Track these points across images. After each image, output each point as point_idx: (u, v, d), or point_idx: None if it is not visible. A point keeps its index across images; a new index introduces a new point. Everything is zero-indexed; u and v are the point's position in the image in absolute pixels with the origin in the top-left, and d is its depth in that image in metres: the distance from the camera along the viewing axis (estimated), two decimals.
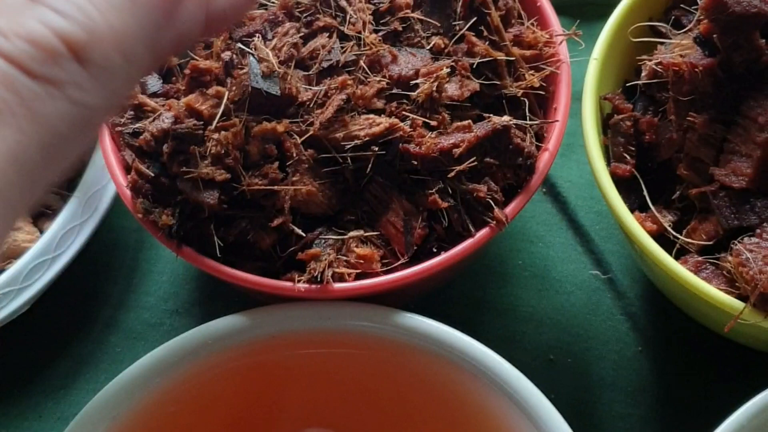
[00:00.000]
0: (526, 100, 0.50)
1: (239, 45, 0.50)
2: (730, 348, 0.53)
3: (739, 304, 0.45)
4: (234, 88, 0.49)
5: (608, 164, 0.51)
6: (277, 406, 0.51)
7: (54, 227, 0.55)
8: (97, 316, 0.58)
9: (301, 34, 0.50)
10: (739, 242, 0.46)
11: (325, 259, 0.48)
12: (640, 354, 0.56)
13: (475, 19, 0.50)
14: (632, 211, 0.49)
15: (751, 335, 0.49)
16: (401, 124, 0.48)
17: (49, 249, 0.54)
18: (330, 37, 0.50)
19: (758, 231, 0.46)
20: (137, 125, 0.50)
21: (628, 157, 0.50)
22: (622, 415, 0.54)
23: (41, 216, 0.57)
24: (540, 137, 0.51)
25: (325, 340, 0.49)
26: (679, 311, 0.54)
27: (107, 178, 0.56)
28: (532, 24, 0.53)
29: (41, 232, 0.56)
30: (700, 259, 0.48)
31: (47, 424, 0.54)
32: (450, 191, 0.48)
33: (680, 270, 0.46)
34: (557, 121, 0.50)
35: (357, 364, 0.50)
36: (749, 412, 0.45)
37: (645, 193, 0.50)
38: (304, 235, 0.48)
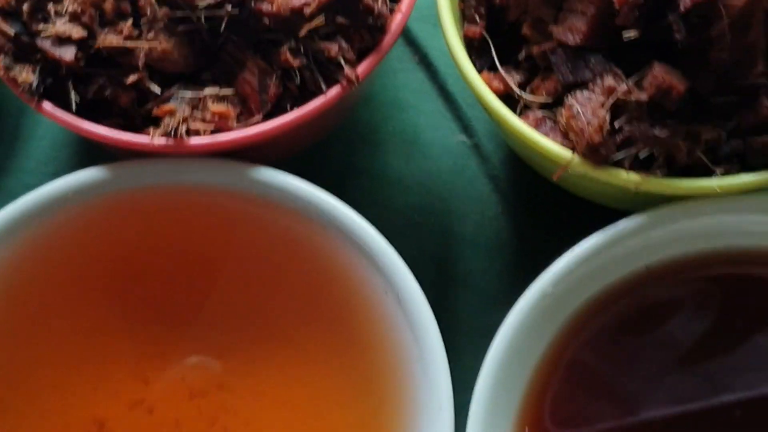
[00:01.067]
0: None
1: None
2: (584, 207, 0.55)
3: (568, 154, 0.47)
4: None
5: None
6: (138, 268, 0.54)
7: None
8: None
9: None
10: (571, 96, 0.48)
11: (180, 115, 0.49)
12: (501, 215, 0.59)
13: None
14: (480, 71, 0.51)
15: (586, 187, 0.51)
16: None
17: None
18: None
19: (590, 85, 0.48)
20: None
21: (478, 18, 0.52)
22: (481, 270, 0.57)
23: None
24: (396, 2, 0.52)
25: (184, 197, 0.51)
26: (536, 174, 0.56)
27: None
28: None
29: None
30: (540, 115, 0.50)
31: None
32: (302, 50, 0.50)
33: (518, 124, 0.48)
34: None
35: (215, 224, 0.52)
36: (577, 256, 0.47)
37: (493, 53, 0.52)
38: (159, 92, 0.50)
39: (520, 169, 0.59)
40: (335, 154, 0.60)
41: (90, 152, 0.60)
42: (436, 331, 0.47)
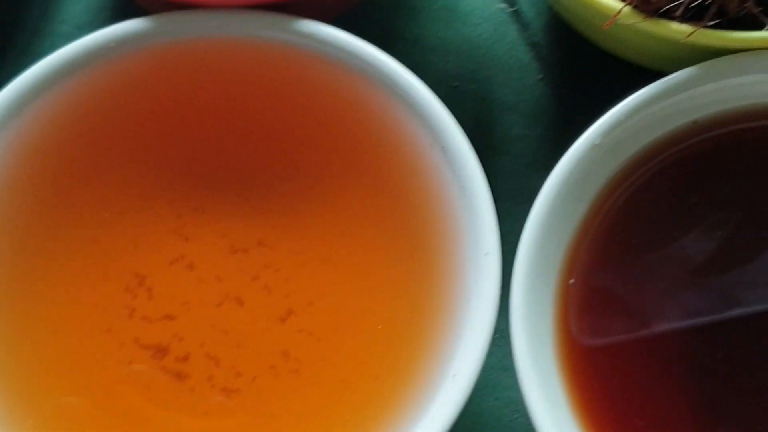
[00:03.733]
0: None
1: None
2: (625, 73, 0.54)
3: (619, 4, 0.47)
4: None
5: None
6: (177, 124, 0.53)
7: None
8: (14, 42, 0.59)
9: None
10: None
11: None
12: (540, 81, 0.58)
13: None
14: None
15: (632, 44, 0.50)
16: None
17: None
18: None
19: None
20: None
21: None
22: (521, 136, 0.57)
23: None
24: None
25: (227, 51, 0.51)
26: (579, 41, 0.55)
27: None
28: None
29: None
30: None
31: None
32: None
33: None
34: None
35: (257, 79, 0.52)
36: (628, 107, 0.47)
37: None
38: None
39: (561, 36, 0.58)
40: (373, 20, 0.59)
41: (125, 17, 0.59)
42: (482, 179, 0.47)
